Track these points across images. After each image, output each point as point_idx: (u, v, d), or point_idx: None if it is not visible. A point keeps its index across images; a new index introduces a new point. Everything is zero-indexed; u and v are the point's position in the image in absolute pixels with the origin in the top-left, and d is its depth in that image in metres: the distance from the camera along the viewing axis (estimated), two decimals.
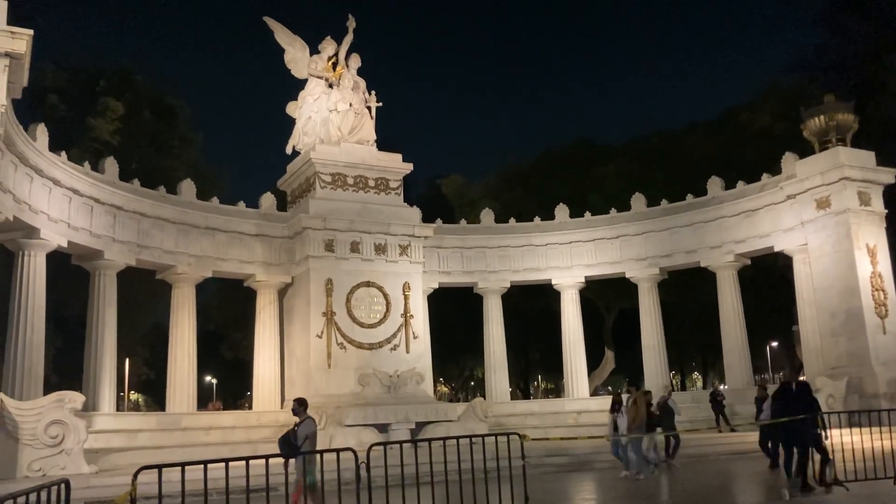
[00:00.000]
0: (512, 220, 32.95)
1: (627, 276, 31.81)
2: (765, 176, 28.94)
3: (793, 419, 12.67)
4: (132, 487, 6.73)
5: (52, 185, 22.20)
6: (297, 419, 11.67)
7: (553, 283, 32.46)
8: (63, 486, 6.29)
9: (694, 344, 52.34)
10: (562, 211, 32.80)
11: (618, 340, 41.73)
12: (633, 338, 34.11)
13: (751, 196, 28.91)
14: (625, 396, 18.93)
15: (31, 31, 17.68)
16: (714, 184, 30.36)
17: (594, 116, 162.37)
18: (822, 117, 27.14)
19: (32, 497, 5.86)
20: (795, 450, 12.79)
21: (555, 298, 33.66)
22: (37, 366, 21.76)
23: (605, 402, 33.71)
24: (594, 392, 40.17)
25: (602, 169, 38.91)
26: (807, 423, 12.76)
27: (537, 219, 32.85)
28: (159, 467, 6.94)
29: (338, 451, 8.27)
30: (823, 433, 13.11)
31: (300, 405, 11.85)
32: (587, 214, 32.53)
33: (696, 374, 73.44)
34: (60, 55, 37.32)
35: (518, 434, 9.94)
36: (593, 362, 37.55)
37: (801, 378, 15.00)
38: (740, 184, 29.64)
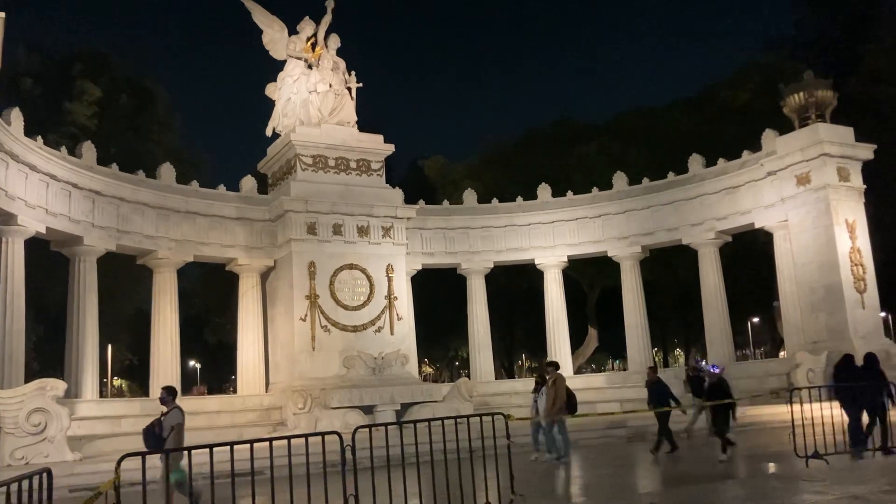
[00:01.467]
0: (495, 201, 32.93)
1: (610, 254, 31.94)
2: (745, 153, 29.07)
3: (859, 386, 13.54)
4: (116, 475, 6.69)
5: (28, 171, 21.91)
6: (164, 408, 11.06)
7: (536, 262, 32.54)
8: (45, 475, 6.23)
9: (676, 321, 52.82)
10: (544, 190, 32.81)
11: (601, 318, 41.97)
12: (617, 316, 34.31)
13: (732, 173, 29.05)
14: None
15: (2, 14, 17.39)
16: (695, 161, 30.46)
17: (576, 95, 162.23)
18: (801, 94, 27.24)
19: (14, 487, 5.81)
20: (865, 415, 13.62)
21: (538, 278, 33.77)
22: (17, 353, 21.58)
23: (591, 379, 34.25)
24: (578, 370, 40.45)
25: (584, 148, 38.91)
26: (875, 391, 13.60)
27: (520, 199, 32.84)
28: (143, 454, 6.90)
29: (323, 434, 8.26)
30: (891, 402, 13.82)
31: (168, 393, 11.22)
32: (569, 194, 32.56)
33: (678, 351, 74.13)
34: (33, 38, 36.65)
35: (503, 414, 9.98)
36: (577, 341, 37.78)
37: (870, 351, 15.28)
38: (721, 161, 29.76)
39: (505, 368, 54.57)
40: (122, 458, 6.91)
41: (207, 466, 7.30)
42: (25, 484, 6.03)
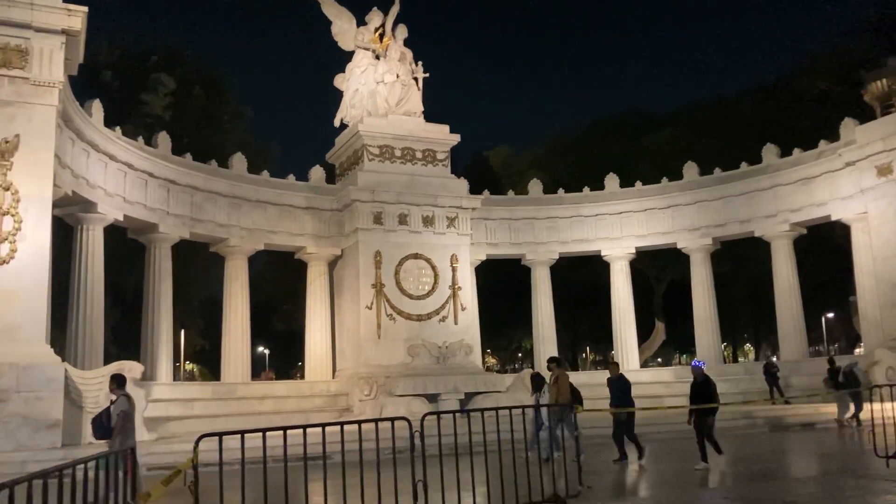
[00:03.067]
0: (560, 191, 32.64)
1: (679, 246, 31.35)
2: (822, 143, 28.13)
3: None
4: (195, 454, 6.89)
5: (107, 160, 22.67)
6: (112, 397, 10.95)
7: (602, 254, 32.17)
8: (129, 452, 6.48)
9: (746, 315, 51.52)
10: (612, 181, 32.38)
11: (668, 312, 41.25)
12: (685, 309, 33.68)
13: (807, 164, 28.15)
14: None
15: (85, 8, 18.00)
16: (769, 151, 29.62)
17: (645, 84, 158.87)
18: (884, 81, 26.20)
19: (102, 462, 6.05)
20: None
21: (604, 269, 33.36)
22: (97, 337, 22.40)
23: (658, 374, 33.62)
24: (644, 364, 39.86)
25: (653, 137, 38.25)
26: None
27: (586, 189, 32.49)
28: (220, 435, 7.09)
29: (392, 419, 8.35)
30: None
31: (115, 382, 11.10)
32: (638, 184, 32.05)
33: (748, 346, 72.36)
34: (112, 32, 37.85)
35: (571, 406, 9.91)
36: (643, 334, 37.22)
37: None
38: (796, 151, 28.87)
39: (568, 360, 54.14)
40: (200, 438, 7.11)
41: (279, 449, 7.46)
42: (112, 460, 6.26)
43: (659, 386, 28.69)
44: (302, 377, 38.06)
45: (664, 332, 41.48)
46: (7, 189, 17.29)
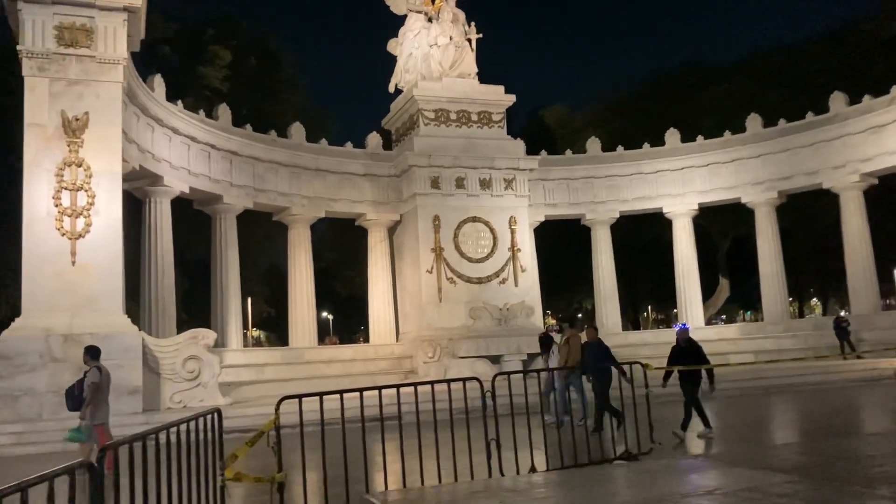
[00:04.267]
0: (620, 149, 32.15)
1: (743, 201, 30.69)
2: (893, 89, 26.99)
3: None
4: (276, 416, 7.15)
5: (171, 134, 23.20)
6: (86, 367, 11.03)
7: (664, 211, 31.69)
8: (215, 414, 6.76)
9: (813, 270, 50.23)
10: (672, 136, 31.74)
11: (732, 268, 40.50)
12: (749, 265, 33.04)
13: (878, 111, 27.11)
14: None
15: None
16: (837, 100, 28.59)
17: (705, 35, 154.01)
18: None
19: (192, 425, 6.33)
20: None
21: (665, 227, 32.89)
22: (169, 306, 23.15)
23: (723, 331, 33.16)
24: (709, 321, 39.34)
25: (715, 90, 37.22)
26: None
27: (646, 145, 31.94)
28: (299, 397, 7.32)
29: (464, 380, 8.50)
30: None
31: (88, 353, 11.15)
32: (700, 139, 31.36)
33: (814, 301, 70.69)
34: (169, 6, 38.40)
35: (641, 363, 9.92)
36: (707, 291, 36.68)
37: None
38: (866, 98, 27.81)
39: (630, 320, 53.77)
40: (281, 400, 7.36)
41: (352, 411, 7.68)
42: (200, 423, 6.55)
43: (725, 343, 28.36)
44: (364, 341, 38.73)
45: (728, 289, 40.80)
46: (79, 165, 17.89)
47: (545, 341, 15.74)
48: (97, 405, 10.68)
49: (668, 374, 12.13)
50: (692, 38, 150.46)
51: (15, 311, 17.99)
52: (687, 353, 12.20)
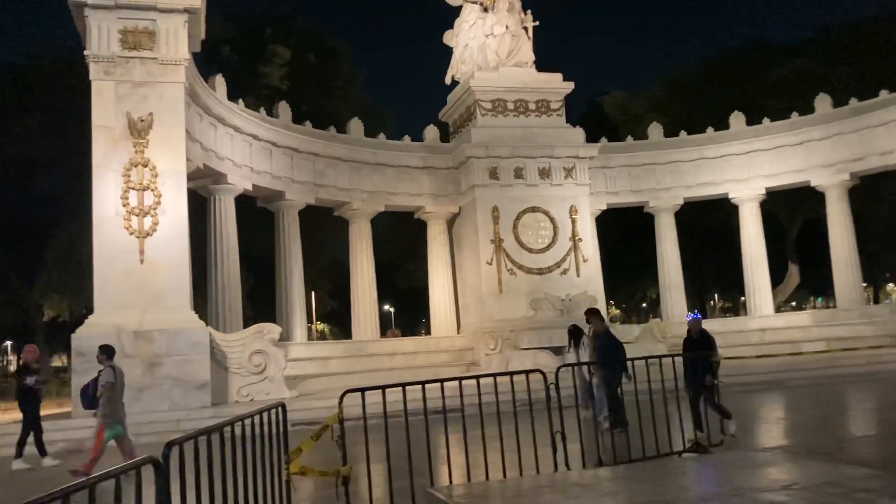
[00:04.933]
0: (682, 133, 31.42)
1: (813, 184, 29.66)
2: None
3: None
4: (339, 409, 7.15)
5: (233, 133, 23.57)
6: (100, 367, 10.96)
7: (730, 196, 30.85)
8: (280, 408, 6.80)
9: (888, 254, 48.34)
10: (737, 119, 30.86)
11: (801, 254, 39.26)
12: (819, 250, 31.96)
13: None
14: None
15: None
16: None
17: (769, 13, 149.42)
18: None
19: (256, 419, 6.38)
20: None
21: (731, 212, 32.05)
22: (235, 302, 23.59)
23: (794, 318, 32.15)
24: (778, 309, 38.26)
25: (781, 70, 36.05)
26: None
27: (710, 130, 31.14)
28: (362, 390, 7.32)
29: (527, 372, 8.38)
30: None
31: (103, 352, 11.03)
32: (766, 121, 30.42)
33: (890, 286, 68.10)
34: (228, 7, 39.10)
35: (711, 354, 9.63)
36: (775, 278, 35.65)
37: None
38: None
39: (697, 308, 52.68)
40: (344, 394, 7.37)
41: (415, 403, 7.64)
42: (266, 416, 6.60)
43: (796, 331, 27.53)
44: (425, 334, 38.85)
45: (798, 275, 39.60)
46: (145, 165, 18.32)
47: (574, 333, 14.67)
48: (113, 404, 10.74)
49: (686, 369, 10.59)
50: (753, 18, 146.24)
51: (91, 309, 18.54)
52: (699, 345, 10.83)
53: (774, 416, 13.07)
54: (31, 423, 13.35)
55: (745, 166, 30.23)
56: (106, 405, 10.63)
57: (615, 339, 12.31)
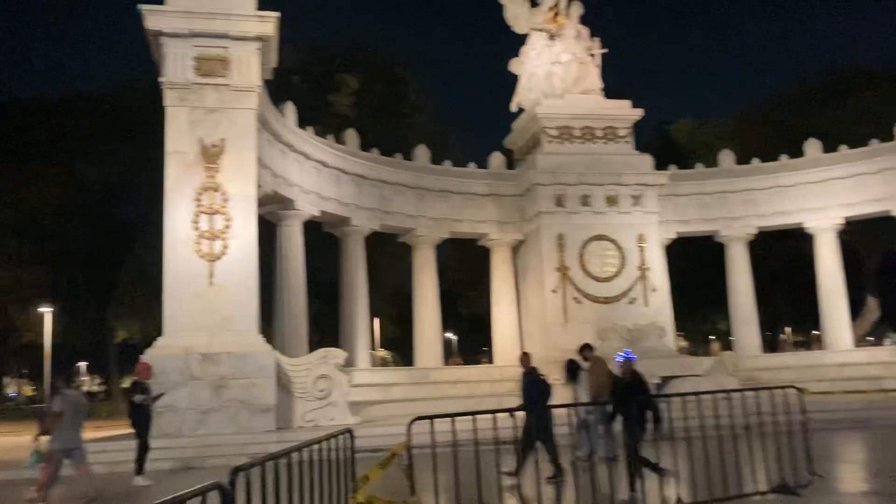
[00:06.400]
0: (755, 161, 30.57)
1: (893, 214, 28.42)
2: None
3: None
4: (408, 437, 6.98)
5: (302, 159, 23.90)
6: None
7: (805, 226, 29.81)
8: (347, 434, 6.66)
9: None
10: (813, 146, 29.90)
11: (883, 286, 37.62)
12: None
13: None
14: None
15: (277, 14, 19.03)
16: None
17: (846, 40, 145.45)
18: None
19: (324, 444, 6.25)
20: None
21: (804, 242, 30.96)
22: (300, 327, 23.74)
23: (875, 353, 30.65)
24: (857, 343, 36.66)
25: (859, 97, 34.89)
26: None
27: (784, 157, 30.22)
28: (431, 418, 7.13)
29: (598, 403, 8.06)
30: None
31: (58, 378, 11.11)
32: (843, 148, 29.37)
33: None
34: (298, 36, 39.97)
35: (796, 387, 9.13)
36: (853, 311, 34.19)
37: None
38: None
39: (766, 342, 50.91)
40: (412, 421, 7.19)
41: (483, 432, 7.40)
42: (333, 443, 6.46)
43: (877, 367, 26.28)
44: (487, 362, 38.45)
45: (878, 308, 37.91)
46: (216, 190, 18.64)
47: (571, 368, 14.07)
48: (61, 431, 10.79)
49: (613, 415, 10.08)
50: (827, 45, 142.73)
51: (160, 330, 18.84)
52: (632, 389, 9.96)
53: (861, 458, 12.34)
54: (140, 441, 13.40)
55: (821, 195, 29.22)
56: (57, 432, 10.73)
57: (546, 383, 12.03)
